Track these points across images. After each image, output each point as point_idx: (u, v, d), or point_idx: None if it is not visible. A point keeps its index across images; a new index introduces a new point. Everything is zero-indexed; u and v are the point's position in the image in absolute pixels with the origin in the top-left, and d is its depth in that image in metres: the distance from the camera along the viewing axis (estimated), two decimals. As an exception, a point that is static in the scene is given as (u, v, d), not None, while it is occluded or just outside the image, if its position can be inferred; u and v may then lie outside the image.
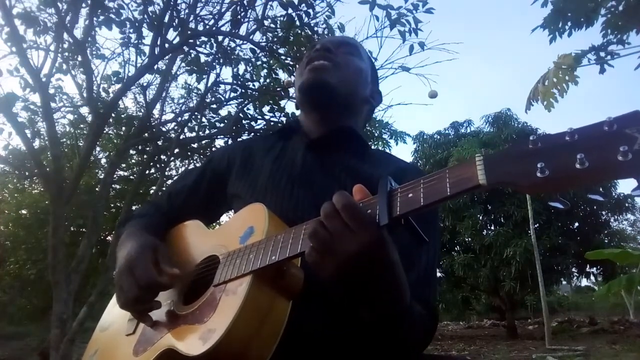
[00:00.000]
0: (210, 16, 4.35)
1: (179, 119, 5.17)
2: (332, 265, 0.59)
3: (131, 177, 7.66)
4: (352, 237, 0.57)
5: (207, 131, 5.10)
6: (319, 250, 0.59)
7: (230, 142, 4.75)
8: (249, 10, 4.18)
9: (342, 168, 0.91)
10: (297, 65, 4.52)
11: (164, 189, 4.89)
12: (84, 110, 5.46)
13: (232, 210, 1.00)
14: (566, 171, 0.45)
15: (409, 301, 0.66)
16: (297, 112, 1.10)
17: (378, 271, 0.60)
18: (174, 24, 4.03)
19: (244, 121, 4.95)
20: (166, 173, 5.57)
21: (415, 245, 0.76)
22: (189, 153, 5.51)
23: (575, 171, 0.44)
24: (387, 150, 6.24)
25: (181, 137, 4.91)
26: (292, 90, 4.51)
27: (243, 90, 4.89)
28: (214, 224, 1.21)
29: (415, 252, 0.81)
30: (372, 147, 1.10)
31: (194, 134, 5.10)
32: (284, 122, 4.59)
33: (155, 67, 4.44)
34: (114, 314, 0.93)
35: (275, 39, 4.59)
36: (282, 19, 4.29)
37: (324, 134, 0.97)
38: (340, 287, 0.63)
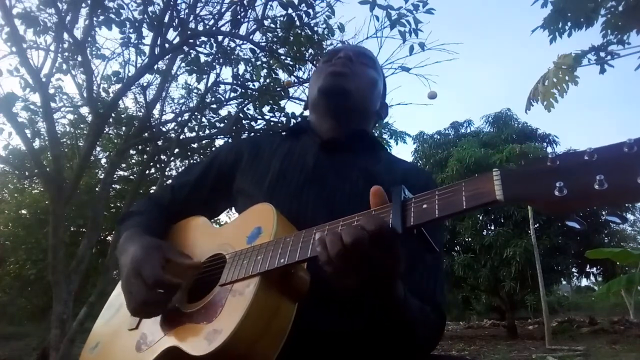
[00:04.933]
0: (210, 16, 4.36)
1: (179, 119, 5.18)
2: (355, 280, 0.60)
3: (131, 177, 7.68)
4: (382, 258, 0.59)
5: (207, 131, 5.11)
6: (347, 269, 0.59)
7: (230, 142, 4.75)
8: (249, 10, 4.19)
9: (356, 169, 0.91)
10: (297, 65, 4.55)
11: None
12: (84, 110, 5.48)
13: (234, 207, 0.99)
14: (584, 192, 0.44)
15: (404, 295, 0.68)
16: (298, 112, 1.10)
17: (391, 279, 0.64)
18: (174, 24, 4.03)
19: (244, 121, 4.95)
20: (166, 173, 5.57)
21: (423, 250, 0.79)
22: (189, 153, 5.51)
23: (594, 192, 0.43)
24: (387, 151, 6.24)
25: (181, 137, 4.92)
26: (292, 90, 4.51)
27: (243, 90, 4.90)
28: (215, 220, 1.20)
29: (422, 255, 0.81)
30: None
31: (194, 134, 5.10)
32: (284, 122, 4.59)
33: (155, 67, 4.45)
34: (116, 307, 0.92)
35: (275, 39, 4.59)
36: (282, 19, 4.29)
37: (339, 136, 0.97)
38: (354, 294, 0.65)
